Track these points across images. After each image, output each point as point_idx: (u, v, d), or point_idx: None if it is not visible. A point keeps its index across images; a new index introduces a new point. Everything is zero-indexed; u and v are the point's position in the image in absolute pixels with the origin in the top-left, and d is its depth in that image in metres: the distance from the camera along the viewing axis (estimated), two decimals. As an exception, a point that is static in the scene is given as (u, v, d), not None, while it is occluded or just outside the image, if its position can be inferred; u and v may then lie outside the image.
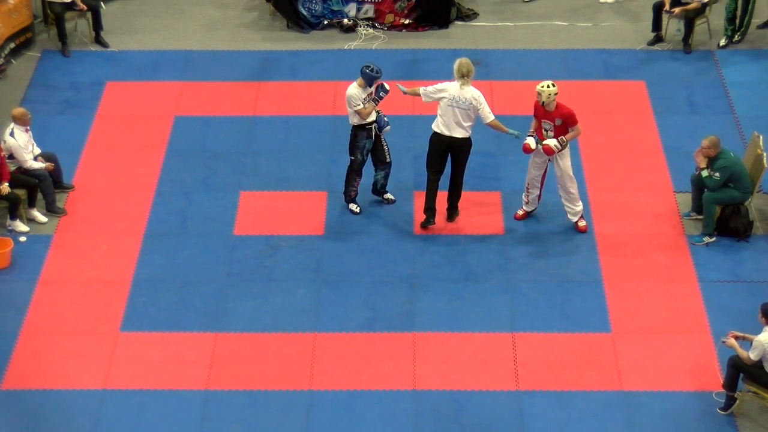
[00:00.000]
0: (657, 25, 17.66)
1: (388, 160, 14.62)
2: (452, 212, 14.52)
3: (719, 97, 16.65)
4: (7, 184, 14.12)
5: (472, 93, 13.80)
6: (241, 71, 17.24)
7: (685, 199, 14.75)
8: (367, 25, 18.20)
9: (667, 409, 12.25)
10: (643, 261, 14.04)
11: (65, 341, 13.06)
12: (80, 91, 16.81)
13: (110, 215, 14.71)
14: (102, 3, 18.12)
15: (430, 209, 14.32)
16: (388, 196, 14.86)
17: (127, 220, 14.62)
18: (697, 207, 14.48)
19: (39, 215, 14.54)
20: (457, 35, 18.06)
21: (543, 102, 13.85)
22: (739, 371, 11.99)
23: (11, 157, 14.39)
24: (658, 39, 17.72)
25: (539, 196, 14.53)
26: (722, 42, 17.46)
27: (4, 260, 13.91)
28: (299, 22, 18.18)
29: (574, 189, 14.26)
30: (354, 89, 14.09)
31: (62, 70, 17.27)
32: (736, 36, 17.30)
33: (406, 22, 18.17)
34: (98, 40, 17.81)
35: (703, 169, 14.00)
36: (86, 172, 15.35)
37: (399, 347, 12.97)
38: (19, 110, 14.54)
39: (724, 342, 12.14)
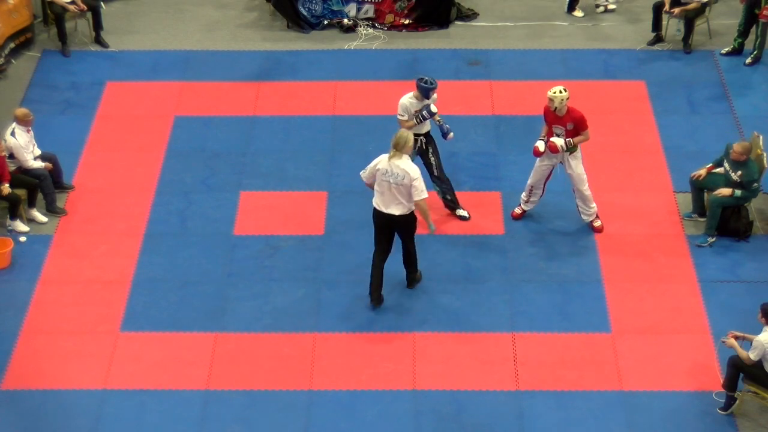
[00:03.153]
0: (657, 25, 17.65)
1: (435, 173, 14.33)
2: (411, 279, 13.65)
3: (719, 97, 16.65)
4: (7, 184, 14.12)
5: (405, 166, 12.78)
6: (241, 71, 17.23)
7: (685, 199, 14.75)
8: (367, 25, 18.19)
9: (667, 409, 12.26)
10: (643, 261, 14.03)
11: (65, 341, 13.07)
12: (80, 91, 16.81)
13: (110, 215, 14.72)
14: (102, 3, 18.12)
15: (372, 294, 13.38)
16: (460, 212, 14.53)
17: (127, 220, 14.62)
18: (698, 208, 14.48)
19: (39, 215, 14.54)
20: (457, 35, 18.06)
21: (555, 108, 13.80)
22: (739, 371, 12.00)
23: (11, 156, 14.39)
24: (658, 39, 17.72)
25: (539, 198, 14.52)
26: (725, 50, 17.41)
27: (4, 260, 13.92)
28: (299, 22, 18.18)
29: (587, 191, 14.21)
30: (407, 99, 13.98)
31: (62, 70, 17.27)
32: (750, 59, 17.22)
33: (406, 22, 18.17)
34: (98, 40, 17.80)
35: (733, 192, 13.88)
36: (86, 172, 15.35)
37: (399, 347, 12.97)
38: (21, 110, 14.55)
39: (724, 342, 12.15)
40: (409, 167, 12.78)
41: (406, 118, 14.01)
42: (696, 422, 12.13)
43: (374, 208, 13.11)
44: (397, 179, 12.79)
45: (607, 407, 12.29)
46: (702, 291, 13.64)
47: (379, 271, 13.30)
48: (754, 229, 14.39)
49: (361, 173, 13.17)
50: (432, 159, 14.33)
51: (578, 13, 18.41)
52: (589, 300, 13.53)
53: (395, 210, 12.95)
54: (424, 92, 13.95)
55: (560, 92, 13.74)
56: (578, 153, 14.11)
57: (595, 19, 18.36)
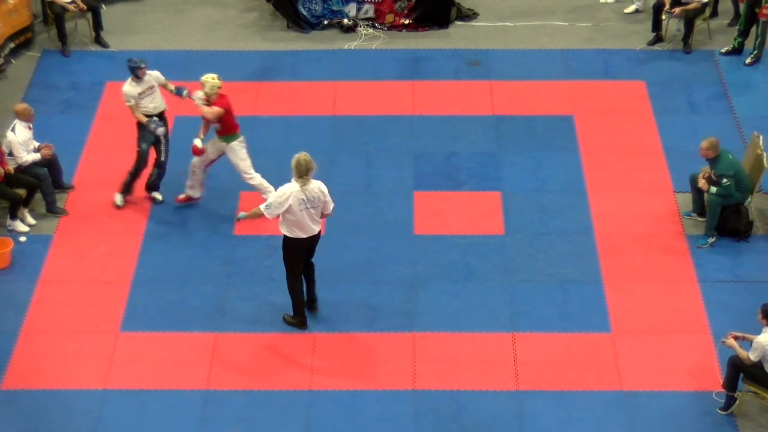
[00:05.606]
0: (657, 25, 17.66)
1: (162, 158, 14.82)
2: (314, 304, 13.37)
3: (719, 97, 16.65)
4: (10, 167, 14.14)
5: (317, 186, 12.56)
6: (241, 71, 17.23)
7: (685, 199, 14.75)
8: (367, 25, 18.19)
9: (667, 409, 12.26)
10: (643, 261, 14.04)
11: (65, 341, 13.07)
12: (80, 91, 16.81)
13: (110, 215, 14.72)
14: (102, 4, 18.12)
15: (302, 313, 13.17)
16: (156, 195, 14.89)
17: (127, 220, 14.62)
18: (698, 208, 14.48)
19: (29, 217, 14.50)
20: (457, 35, 18.06)
21: (206, 93, 14.08)
22: (739, 371, 12.00)
23: (11, 154, 14.38)
24: (658, 39, 17.71)
25: (202, 183, 14.68)
26: (725, 49, 17.41)
27: (4, 260, 13.92)
28: (299, 22, 18.18)
29: (252, 180, 14.40)
30: (126, 86, 14.47)
31: (62, 70, 17.27)
32: (750, 58, 17.22)
33: (406, 22, 18.17)
34: (98, 40, 17.81)
35: (710, 187, 13.94)
36: (86, 172, 15.35)
37: (399, 347, 12.97)
38: (21, 105, 14.55)
39: (723, 342, 12.15)
40: (320, 185, 12.57)
41: (133, 103, 14.45)
42: (696, 422, 12.13)
43: (292, 239, 12.62)
44: (314, 203, 12.51)
45: (607, 407, 12.29)
46: (702, 291, 13.64)
47: (302, 294, 13.07)
48: (754, 229, 14.39)
49: (266, 211, 12.49)
50: (162, 145, 14.77)
51: (630, 8, 18.43)
52: (589, 300, 13.53)
53: (316, 227, 12.69)
54: (132, 72, 14.38)
55: (212, 79, 14.03)
56: (235, 144, 14.29)
57: (595, 19, 18.36)
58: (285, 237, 12.70)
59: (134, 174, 14.78)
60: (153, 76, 14.61)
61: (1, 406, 12.31)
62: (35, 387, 12.54)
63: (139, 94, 14.48)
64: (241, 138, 14.41)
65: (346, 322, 13.25)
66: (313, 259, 13.77)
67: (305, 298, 13.20)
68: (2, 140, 14.36)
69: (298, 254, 12.82)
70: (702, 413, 12.21)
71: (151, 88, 14.57)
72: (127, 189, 14.83)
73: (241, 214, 13.03)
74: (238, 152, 14.36)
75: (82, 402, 12.36)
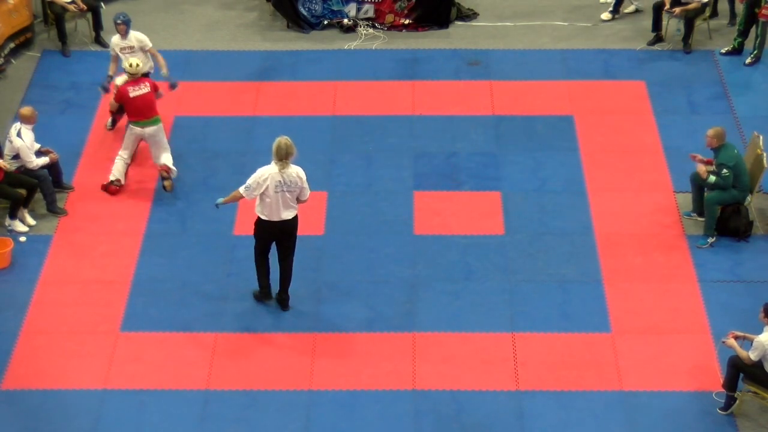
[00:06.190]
0: (657, 25, 17.66)
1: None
2: (285, 300, 13.40)
3: (719, 97, 16.65)
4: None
5: (296, 171, 12.71)
6: (241, 71, 17.23)
7: (685, 199, 14.75)
8: (367, 25, 18.20)
9: (667, 409, 12.26)
10: (643, 261, 14.04)
11: (65, 341, 13.07)
12: (80, 91, 16.81)
13: (110, 215, 14.72)
14: (102, 3, 18.12)
15: (264, 287, 13.39)
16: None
17: (127, 220, 14.62)
18: (698, 208, 14.48)
19: (29, 217, 14.50)
20: (457, 35, 18.06)
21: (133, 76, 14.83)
22: (739, 371, 12.00)
23: (16, 156, 14.39)
24: (658, 39, 17.71)
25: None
26: (725, 49, 17.41)
27: (4, 260, 13.92)
28: (299, 22, 18.18)
29: (119, 156, 15.03)
30: (114, 37, 15.62)
31: (62, 70, 17.27)
32: (750, 58, 17.23)
33: (406, 22, 18.17)
34: (98, 40, 17.81)
35: (708, 176, 13.98)
36: (86, 172, 15.35)
37: (399, 347, 12.97)
38: (27, 109, 14.56)
39: (724, 342, 12.15)
40: (299, 170, 12.73)
41: (113, 54, 15.54)
42: (696, 422, 12.14)
43: (263, 220, 12.86)
44: (291, 186, 12.68)
45: (607, 407, 12.29)
46: (702, 291, 13.64)
47: (266, 270, 13.31)
48: (754, 229, 14.39)
49: (245, 192, 12.71)
50: None
51: (606, 15, 18.35)
52: (589, 300, 13.53)
53: (289, 214, 12.83)
54: (116, 28, 15.53)
55: (137, 65, 14.78)
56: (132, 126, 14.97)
57: (595, 19, 18.36)
58: (258, 217, 12.93)
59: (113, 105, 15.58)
60: (137, 38, 15.48)
61: (1, 406, 12.32)
62: (35, 387, 12.54)
63: (121, 49, 15.33)
64: (135, 129, 14.82)
65: (346, 322, 13.25)
66: (312, 258, 13.78)
67: (280, 289, 13.39)
68: (5, 143, 14.36)
69: (266, 236, 13.01)
70: (702, 413, 12.21)
71: (131, 48, 15.32)
72: (117, 113, 15.73)
73: (219, 200, 13.20)
74: (128, 135, 14.98)
75: (82, 402, 12.36)
